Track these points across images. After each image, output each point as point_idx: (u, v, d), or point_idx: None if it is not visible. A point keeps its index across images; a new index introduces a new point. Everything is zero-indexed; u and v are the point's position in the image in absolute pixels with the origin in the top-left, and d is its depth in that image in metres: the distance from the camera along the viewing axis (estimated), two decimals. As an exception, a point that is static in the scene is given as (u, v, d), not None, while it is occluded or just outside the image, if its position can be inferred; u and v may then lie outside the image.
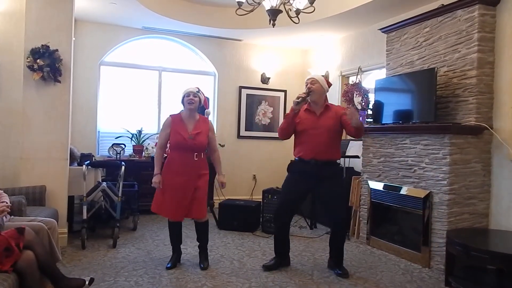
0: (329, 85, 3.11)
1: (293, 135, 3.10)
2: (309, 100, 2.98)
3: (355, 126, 2.81)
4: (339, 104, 5.21)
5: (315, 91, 2.96)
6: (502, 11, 3.10)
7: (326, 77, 3.24)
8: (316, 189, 3.04)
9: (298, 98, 2.91)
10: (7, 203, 2.48)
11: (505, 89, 3.06)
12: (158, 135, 5.22)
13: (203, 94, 3.13)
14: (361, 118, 4.60)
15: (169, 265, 3.01)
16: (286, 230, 3.15)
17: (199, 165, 3.00)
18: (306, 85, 3.00)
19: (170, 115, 3.09)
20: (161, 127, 5.39)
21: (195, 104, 3.01)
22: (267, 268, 3.04)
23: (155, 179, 2.97)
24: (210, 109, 5.53)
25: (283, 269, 3.08)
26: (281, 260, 3.12)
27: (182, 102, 3.06)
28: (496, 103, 3.13)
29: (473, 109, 3.10)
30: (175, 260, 3.07)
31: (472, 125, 3.09)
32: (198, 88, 3.09)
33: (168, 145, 3.07)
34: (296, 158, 3.05)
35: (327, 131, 2.94)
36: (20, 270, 2.00)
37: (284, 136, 3.10)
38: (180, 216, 2.99)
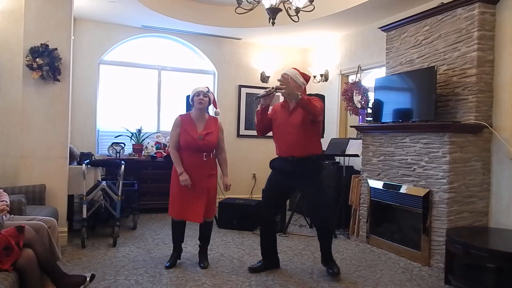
0: (306, 78, 2.96)
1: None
2: (282, 95, 2.84)
3: (296, 102, 2.66)
4: (338, 103, 5.22)
5: (287, 88, 2.79)
6: (502, 9, 3.09)
7: (302, 71, 3.08)
8: (296, 187, 2.98)
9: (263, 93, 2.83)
10: (6, 202, 2.48)
11: (505, 88, 3.06)
12: (157, 134, 5.29)
13: (212, 94, 3.10)
14: (360, 117, 4.65)
15: (168, 264, 3.00)
16: (271, 229, 3.07)
17: (209, 165, 2.99)
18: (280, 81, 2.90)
19: (179, 115, 3.07)
20: (160, 126, 5.48)
21: (205, 104, 3.00)
22: (252, 270, 2.96)
23: (183, 177, 2.89)
24: (210, 107, 5.52)
25: (283, 268, 3.08)
26: (268, 262, 3.04)
27: (191, 101, 3.04)
28: (496, 102, 3.13)
29: (473, 107, 3.10)
30: (175, 259, 3.07)
31: (472, 123, 3.09)
32: (207, 87, 3.07)
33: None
34: (277, 155, 3.01)
35: (296, 128, 2.81)
36: (20, 268, 2.00)
37: (260, 132, 3.04)
38: (189, 217, 2.95)
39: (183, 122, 3.01)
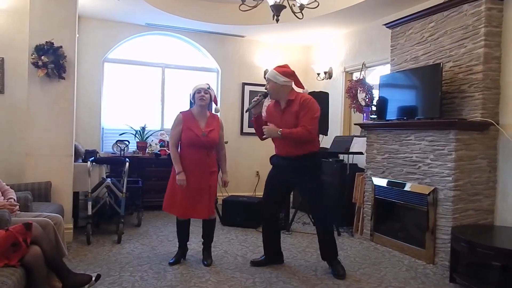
0: (289, 73, 2.87)
1: None
2: (269, 100, 2.94)
3: (280, 138, 2.79)
4: (342, 100, 5.19)
5: (270, 92, 2.88)
6: (509, 5, 3.06)
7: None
8: (295, 183, 3.00)
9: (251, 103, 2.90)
10: (14, 199, 2.50)
11: (512, 85, 3.04)
12: (161, 131, 5.30)
13: (213, 91, 3.11)
14: (364, 114, 4.63)
15: (172, 261, 3.01)
16: (273, 225, 3.09)
17: (210, 162, 3.00)
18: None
19: (180, 112, 3.07)
20: (164, 123, 5.49)
21: (207, 101, 3.00)
22: (254, 263, 3.00)
23: (181, 177, 2.89)
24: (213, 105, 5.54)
25: (287, 265, 3.09)
26: (270, 258, 3.06)
27: (193, 98, 3.04)
28: (503, 99, 3.10)
29: (479, 104, 3.08)
30: (179, 257, 3.07)
31: (478, 121, 3.07)
32: (208, 84, 3.07)
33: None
34: (275, 153, 3.05)
35: (291, 128, 2.81)
36: (27, 265, 2.01)
37: (261, 137, 3.01)
38: (194, 214, 2.96)
39: (185, 119, 3.00)
